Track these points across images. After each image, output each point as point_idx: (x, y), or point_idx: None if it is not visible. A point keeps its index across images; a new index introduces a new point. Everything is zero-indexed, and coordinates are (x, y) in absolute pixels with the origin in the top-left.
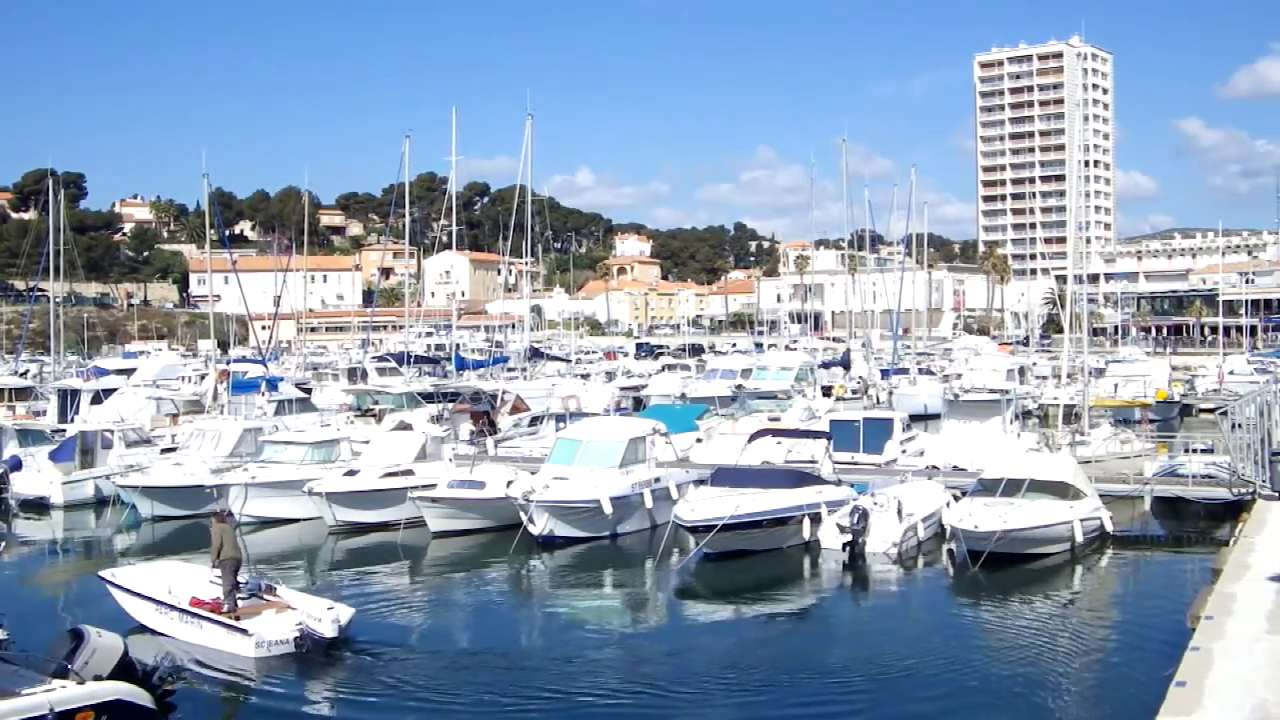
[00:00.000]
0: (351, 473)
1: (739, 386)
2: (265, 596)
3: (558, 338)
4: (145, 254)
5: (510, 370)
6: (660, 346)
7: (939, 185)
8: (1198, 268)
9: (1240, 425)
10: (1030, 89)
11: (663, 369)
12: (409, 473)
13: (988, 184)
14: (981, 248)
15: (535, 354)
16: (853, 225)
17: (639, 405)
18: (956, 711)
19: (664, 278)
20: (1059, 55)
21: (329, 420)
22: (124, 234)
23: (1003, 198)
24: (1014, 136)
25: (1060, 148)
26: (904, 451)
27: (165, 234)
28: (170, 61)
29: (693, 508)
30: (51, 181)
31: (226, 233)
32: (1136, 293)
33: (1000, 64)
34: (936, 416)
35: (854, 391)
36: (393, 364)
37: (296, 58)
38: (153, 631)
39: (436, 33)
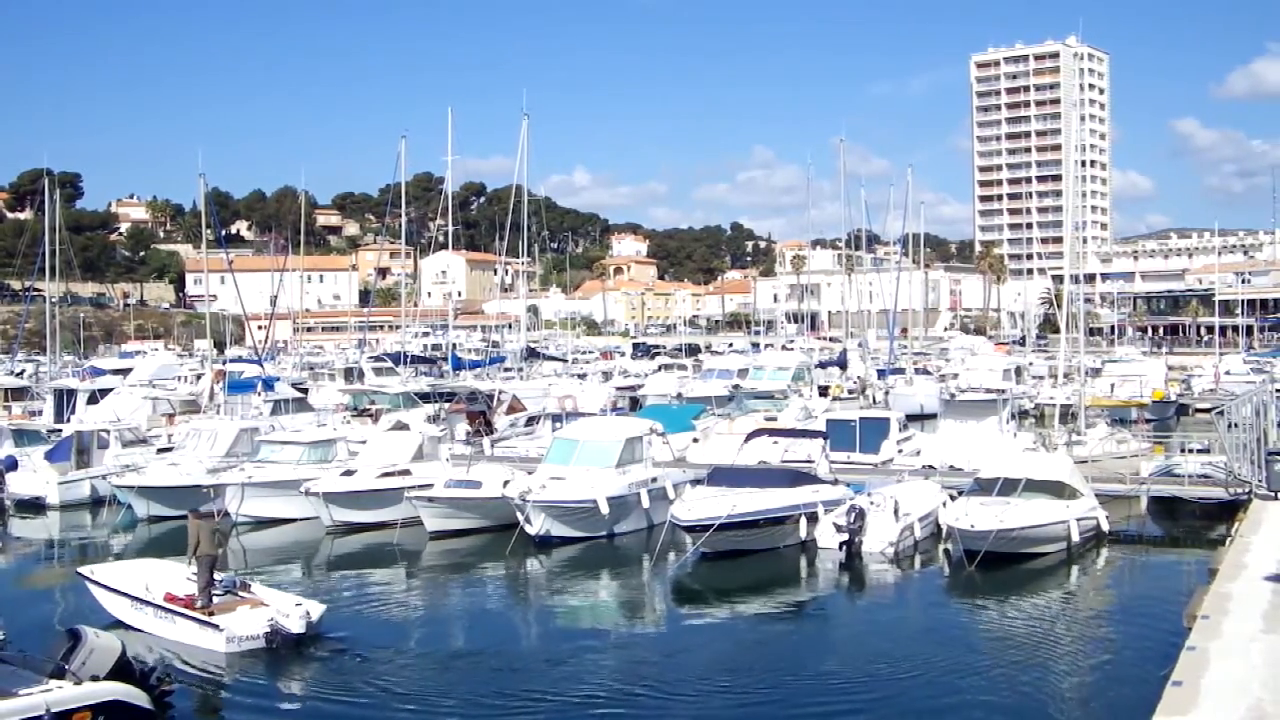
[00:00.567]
0: (348, 473)
1: (735, 386)
2: (239, 593)
3: (554, 338)
4: (141, 254)
5: (507, 370)
6: (657, 346)
7: (936, 185)
8: (1194, 268)
9: (1236, 425)
10: (1027, 89)
11: (659, 369)
12: (406, 473)
13: (984, 184)
14: (978, 248)
15: (532, 354)
16: (849, 225)
17: (635, 405)
18: (953, 711)
19: (660, 278)
20: (1055, 55)
21: (325, 420)
22: (120, 234)
23: (999, 198)
24: (1010, 136)
25: (1057, 148)
26: (900, 451)
27: (161, 234)
28: (167, 61)
29: (689, 507)
30: (47, 181)
31: (223, 232)
32: (1133, 293)
33: (997, 64)
34: (933, 416)
35: (850, 391)
36: (389, 364)
37: (293, 57)
38: (128, 627)
39: (433, 33)
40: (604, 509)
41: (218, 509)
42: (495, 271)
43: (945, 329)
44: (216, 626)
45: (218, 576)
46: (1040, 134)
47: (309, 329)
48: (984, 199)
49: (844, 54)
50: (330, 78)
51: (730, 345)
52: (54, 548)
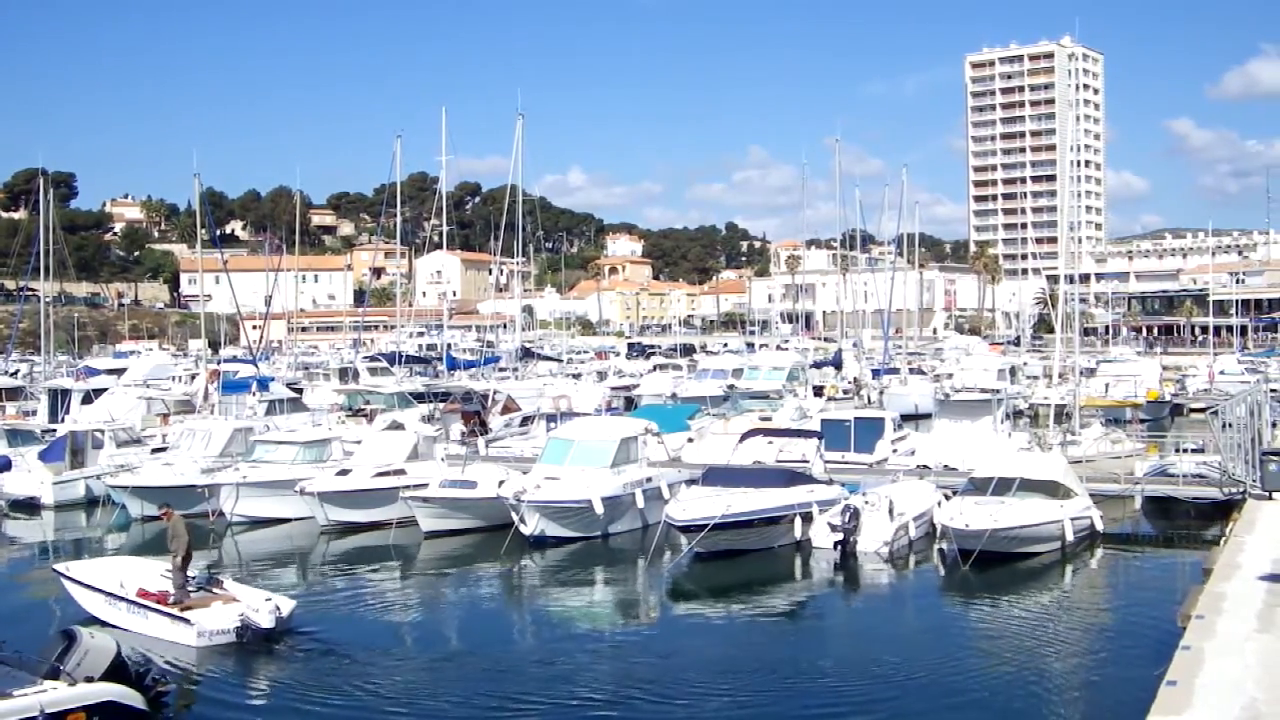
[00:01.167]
0: (343, 472)
1: (730, 386)
2: (211, 589)
3: (549, 337)
4: (136, 254)
5: (502, 370)
6: (652, 346)
7: (931, 185)
8: (1188, 268)
9: (1231, 425)
10: (1021, 89)
11: (654, 369)
12: (401, 472)
13: (979, 184)
14: (973, 248)
15: (527, 354)
16: (844, 225)
17: (630, 405)
18: (947, 710)
19: (655, 277)
20: (1050, 55)
21: (320, 420)
22: (115, 233)
23: (994, 198)
24: (1005, 136)
25: (1051, 148)
26: (895, 451)
27: (156, 234)
28: (161, 61)
29: (684, 507)
30: (42, 181)
31: (217, 232)
32: (1127, 293)
33: (992, 64)
34: (928, 416)
35: (845, 391)
36: (384, 364)
37: (288, 57)
38: (102, 623)
39: (428, 32)
40: (599, 509)
41: (212, 509)
42: (490, 271)
43: (937, 329)
44: (188, 621)
45: (191, 573)
46: (1035, 134)
47: (304, 329)
48: (979, 199)
49: (839, 54)
50: (325, 77)
51: (725, 345)
52: (48, 548)
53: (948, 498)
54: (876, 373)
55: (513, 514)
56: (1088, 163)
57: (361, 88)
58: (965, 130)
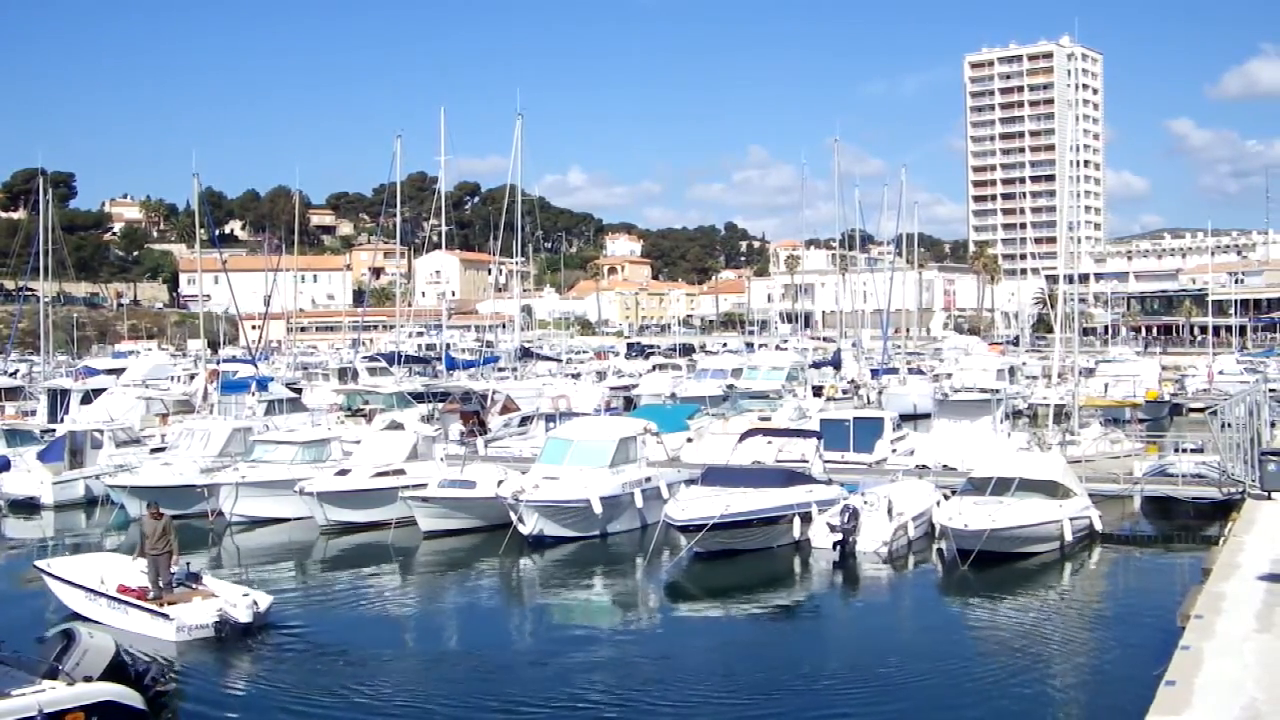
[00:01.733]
0: (342, 472)
1: (730, 386)
2: (189, 584)
3: (548, 337)
4: (135, 253)
5: (501, 370)
6: (651, 346)
7: (930, 185)
8: (1187, 268)
9: (1230, 425)
10: (1021, 89)
11: (653, 369)
12: (400, 472)
13: (978, 184)
14: (972, 248)
15: (526, 354)
16: (843, 225)
17: (630, 405)
18: (946, 711)
19: (655, 277)
20: (1049, 55)
21: (320, 420)
22: (114, 233)
23: (993, 198)
24: (1004, 137)
25: (1050, 148)
26: (894, 451)
27: (155, 233)
28: (160, 61)
29: (683, 507)
30: (41, 180)
31: (216, 232)
32: (1126, 293)
33: (991, 64)
34: (927, 416)
35: (844, 391)
36: (383, 364)
37: (287, 57)
38: (83, 618)
39: (428, 32)
40: (598, 509)
41: (212, 509)
42: (489, 271)
43: (929, 328)
44: (167, 616)
45: (172, 570)
46: (1034, 134)
47: (303, 329)
48: (978, 199)
49: (839, 54)
50: (325, 77)
51: (724, 345)
52: (48, 548)
53: (947, 498)
54: (875, 373)
55: (511, 514)
56: (1087, 163)
57: (361, 87)
58: (964, 130)
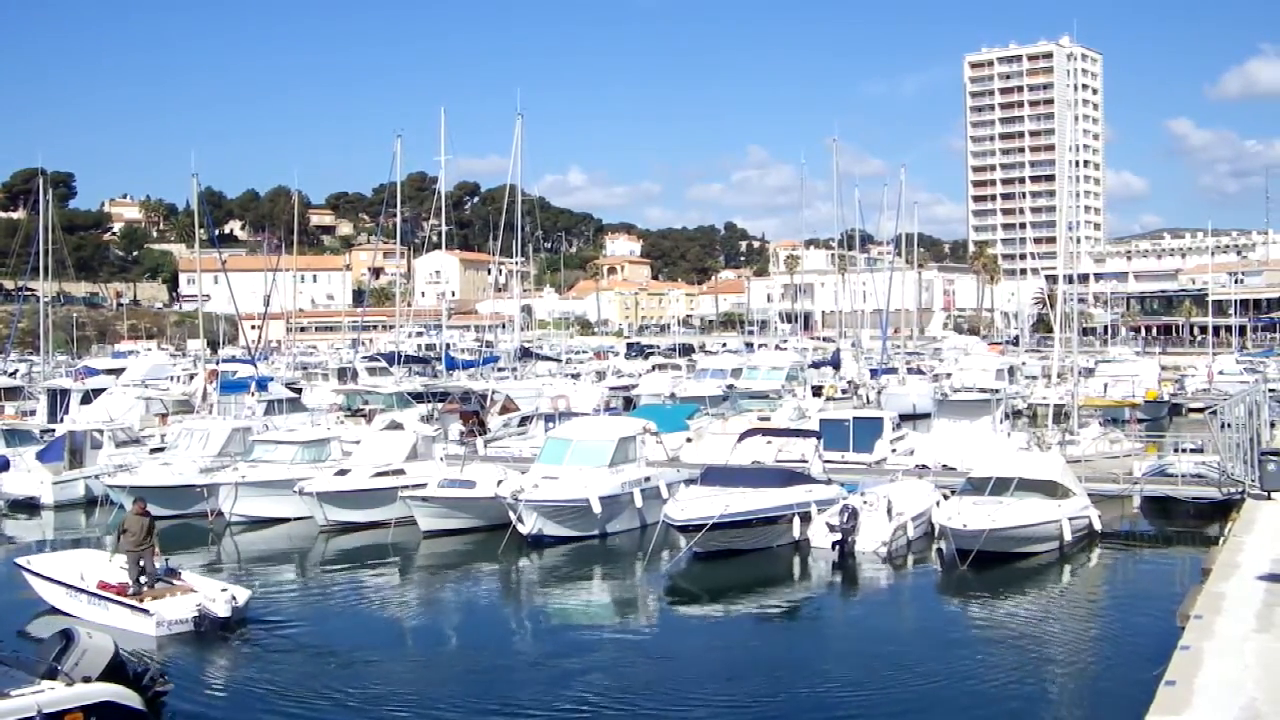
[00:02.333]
0: (342, 472)
1: (729, 386)
2: (169, 580)
3: (548, 337)
4: (134, 253)
5: (500, 370)
6: (650, 346)
7: (929, 185)
8: (1187, 268)
9: (1229, 425)
10: (1020, 89)
11: (653, 369)
12: (399, 472)
13: (978, 184)
14: (971, 248)
15: (525, 354)
16: (843, 225)
17: (629, 405)
18: (946, 711)
19: (654, 277)
20: (1049, 55)
21: (319, 420)
22: (113, 233)
23: (993, 198)
24: (1004, 136)
25: (1050, 148)
26: (894, 451)
27: (155, 233)
28: (160, 60)
29: (682, 507)
30: (41, 180)
31: (216, 232)
32: (1126, 293)
33: (990, 64)
34: (926, 416)
35: (844, 391)
36: (383, 364)
37: (287, 57)
38: (63, 614)
39: (428, 32)
40: (597, 508)
41: (211, 509)
42: (489, 271)
43: (924, 329)
44: (147, 611)
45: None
46: (1034, 134)
47: (302, 329)
48: (977, 199)
49: (838, 53)
50: (324, 77)
51: (724, 345)
52: (47, 548)
53: (946, 497)
54: (875, 372)
55: (511, 513)
56: (1086, 163)
57: (361, 87)
58: (964, 130)
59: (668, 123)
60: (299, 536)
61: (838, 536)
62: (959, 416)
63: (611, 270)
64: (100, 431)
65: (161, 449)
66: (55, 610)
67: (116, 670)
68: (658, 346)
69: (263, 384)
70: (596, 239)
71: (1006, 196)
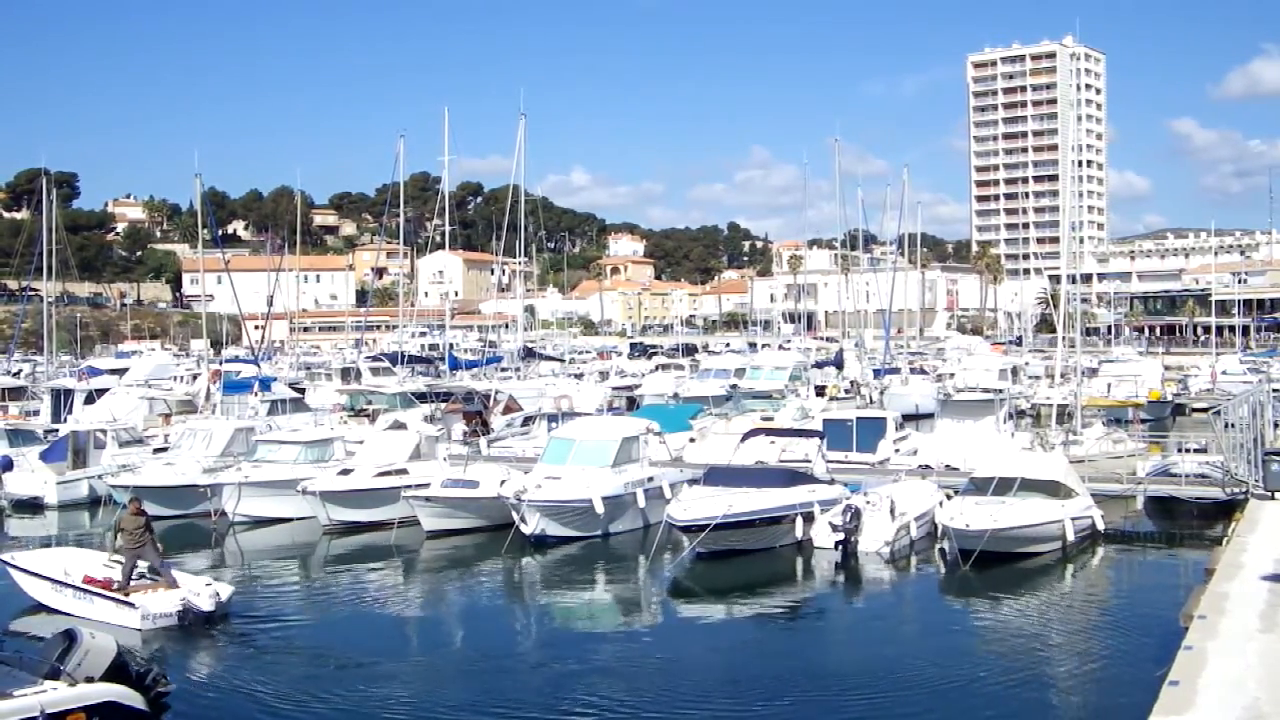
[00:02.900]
0: (345, 472)
1: (733, 386)
2: (153, 577)
3: (551, 337)
4: (138, 253)
5: (504, 370)
6: (654, 346)
7: (932, 185)
8: (1190, 268)
9: (1233, 425)
10: (1023, 89)
11: (656, 369)
12: (403, 472)
13: (981, 184)
14: (975, 248)
15: (529, 354)
16: (846, 225)
17: (632, 405)
18: (948, 711)
19: (657, 277)
20: (1052, 55)
21: (322, 420)
22: (117, 233)
23: (996, 198)
24: (1007, 136)
25: (1053, 148)
26: (897, 451)
27: (158, 234)
28: (163, 61)
29: (686, 507)
30: (44, 181)
31: (219, 232)
32: (1129, 293)
33: (993, 64)
34: (929, 416)
35: (847, 391)
36: (386, 364)
37: (290, 57)
38: (48, 609)
39: (430, 32)
40: (600, 508)
41: (214, 508)
42: (492, 271)
43: (924, 329)
44: (132, 605)
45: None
46: (1037, 134)
47: (306, 329)
48: (980, 199)
49: (840, 53)
50: (327, 77)
51: (727, 345)
52: (50, 547)
53: (949, 498)
54: (878, 372)
55: (514, 513)
56: (1090, 162)
57: (364, 87)
58: (967, 130)
59: (670, 123)
60: (302, 536)
61: (841, 536)
62: (962, 416)
63: (614, 270)
64: (104, 431)
65: (165, 449)
66: (41, 606)
67: (119, 670)
68: (661, 346)
69: (266, 384)
70: (599, 239)
71: (1010, 196)
